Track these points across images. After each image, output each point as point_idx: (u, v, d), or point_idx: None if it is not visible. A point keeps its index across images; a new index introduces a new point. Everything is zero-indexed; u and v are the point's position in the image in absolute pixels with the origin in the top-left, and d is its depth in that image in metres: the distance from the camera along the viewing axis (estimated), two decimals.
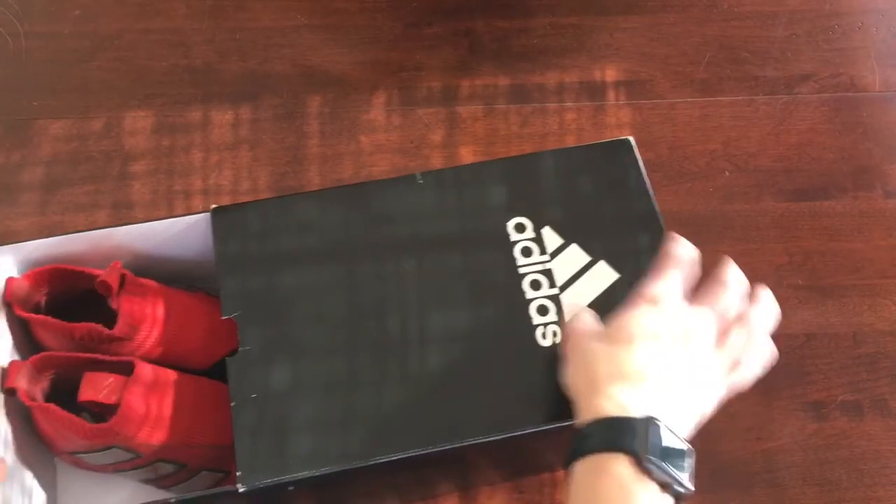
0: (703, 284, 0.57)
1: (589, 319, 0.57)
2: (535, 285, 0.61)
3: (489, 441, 0.56)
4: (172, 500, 0.56)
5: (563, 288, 0.61)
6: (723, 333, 0.55)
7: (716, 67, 0.90)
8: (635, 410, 0.50)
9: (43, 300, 0.64)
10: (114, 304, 0.62)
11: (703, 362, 0.54)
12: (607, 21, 0.92)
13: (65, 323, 0.60)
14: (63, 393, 0.60)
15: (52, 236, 0.64)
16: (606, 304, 0.58)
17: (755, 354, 0.56)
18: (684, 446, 0.50)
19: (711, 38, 0.92)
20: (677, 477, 0.49)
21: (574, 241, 0.62)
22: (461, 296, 0.60)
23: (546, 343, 0.59)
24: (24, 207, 0.80)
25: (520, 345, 0.59)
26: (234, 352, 0.58)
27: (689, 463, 0.50)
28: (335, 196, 0.64)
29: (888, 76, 0.89)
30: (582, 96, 0.88)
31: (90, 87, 0.88)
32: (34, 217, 0.80)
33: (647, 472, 0.48)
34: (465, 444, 0.56)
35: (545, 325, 0.59)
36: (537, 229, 0.63)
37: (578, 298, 0.60)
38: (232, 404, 0.56)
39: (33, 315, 0.62)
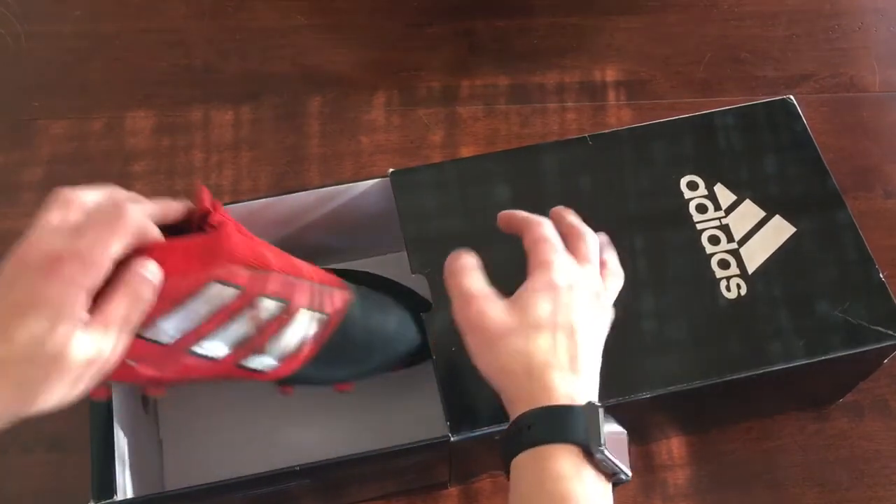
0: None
1: (473, 261, 0.54)
2: (714, 240, 0.63)
3: (664, 394, 0.57)
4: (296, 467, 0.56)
5: (742, 242, 0.63)
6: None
7: (716, 67, 0.90)
8: (579, 398, 0.48)
9: None
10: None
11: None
12: (607, 21, 0.92)
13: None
14: None
15: None
16: (787, 257, 0.62)
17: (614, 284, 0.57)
18: (622, 432, 0.50)
19: (711, 38, 0.92)
20: (620, 465, 0.47)
21: (747, 197, 0.64)
22: (643, 250, 0.62)
23: (731, 295, 0.60)
24: (24, 207, 0.80)
25: (705, 297, 0.61)
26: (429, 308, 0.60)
27: (626, 448, 0.49)
28: (506, 158, 0.67)
29: (888, 76, 0.89)
30: (582, 96, 0.88)
31: (90, 87, 0.88)
32: (34, 217, 0.80)
33: (595, 462, 0.46)
34: (653, 395, 0.57)
35: (728, 278, 0.61)
36: (709, 186, 0.65)
37: (758, 252, 0.62)
38: (433, 358, 0.58)
39: None
